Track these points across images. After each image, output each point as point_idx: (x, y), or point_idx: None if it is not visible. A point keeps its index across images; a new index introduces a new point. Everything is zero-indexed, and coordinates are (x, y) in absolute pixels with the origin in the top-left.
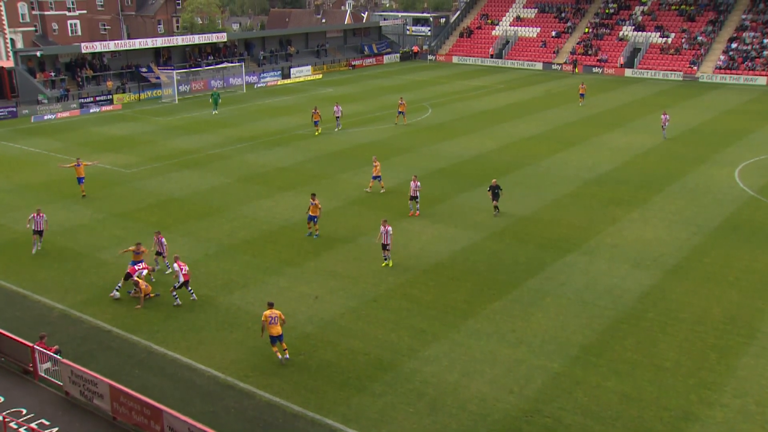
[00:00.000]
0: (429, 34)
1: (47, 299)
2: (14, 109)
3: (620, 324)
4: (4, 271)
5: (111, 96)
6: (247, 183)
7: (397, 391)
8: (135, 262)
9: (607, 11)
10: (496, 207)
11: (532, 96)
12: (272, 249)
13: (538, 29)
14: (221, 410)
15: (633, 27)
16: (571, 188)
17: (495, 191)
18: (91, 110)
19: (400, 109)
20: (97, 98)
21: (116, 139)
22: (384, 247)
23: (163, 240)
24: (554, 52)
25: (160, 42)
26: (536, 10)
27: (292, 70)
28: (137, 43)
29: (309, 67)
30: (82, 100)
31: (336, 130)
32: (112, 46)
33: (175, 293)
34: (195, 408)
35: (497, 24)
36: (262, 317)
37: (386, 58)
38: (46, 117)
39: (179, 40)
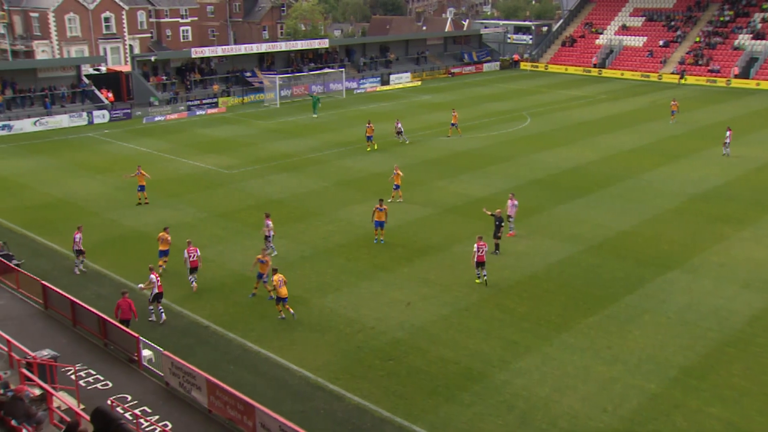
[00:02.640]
0: (530, 42)
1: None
2: (129, 111)
3: (726, 347)
4: (114, 264)
5: (216, 99)
6: (343, 187)
7: (487, 402)
8: (261, 274)
9: (722, 19)
10: (496, 245)
11: (636, 107)
12: (366, 254)
13: (645, 38)
14: (311, 411)
15: (751, 35)
16: (675, 203)
17: (497, 224)
18: (198, 113)
19: (452, 121)
20: (204, 101)
21: (219, 141)
22: (479, 264)
23: (270, 223)
24: (661, 62)
25: (264, 47)
26: (644, 18)
27: (391, 76)
28: (243, 49)
29: (408, 74)
30: (190, 103)
31: (406, 141)
32: (219, 51)
33: (191, 278)
34: (286, 407)
35: (601, 33)
36: (272, 282)
37: (486, 67)
38: (156, 118)
39: (283, 46)
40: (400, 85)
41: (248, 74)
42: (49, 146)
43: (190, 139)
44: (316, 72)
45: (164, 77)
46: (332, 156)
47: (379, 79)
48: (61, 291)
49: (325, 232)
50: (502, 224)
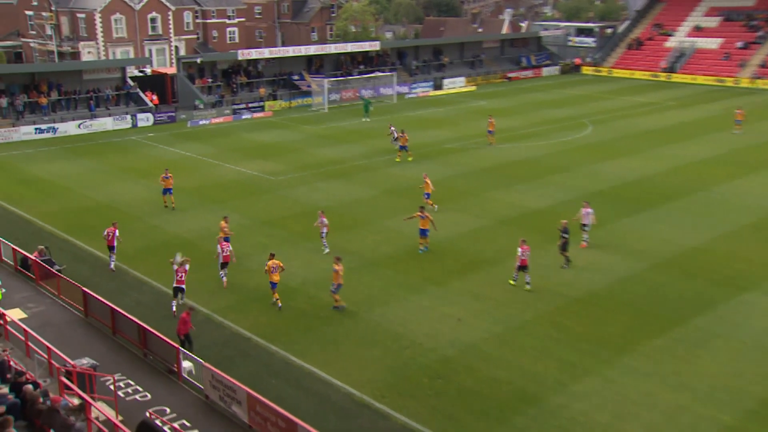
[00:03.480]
0: (593, 45)
1: (193, 302)
2: (173, 114)
3: None
4: (155, 271)
5: (263, 103)
6: (392, 196)
7: (542, 426)
8: (337, 287)
9: None
10: (566, 258)
11: (708, 114)
12: (416, 266)
13: (721, 40)
14: (355, 429)
15: None
16: (752, 219)
17: (564, 237)
18: (243, 116)
19: (489, 128)
20: (250, 105)
21: (265, 146)
22: (521, 268)
23: (325, 220)
24: (739, 66)
25: (313, 50)
26: (720, 18)
27: (444, 81)
28: (291, 51)
29: (462, 79)
30: (236, 107)
31: (396, 147)
32: (267, 53)
33: (222, 273)
34: (329, 424)
35: (671, 34)
36: (265, 266)
37: (545, 71)
38: (201, 122)
39: (332, 48)
40: (454, 90)
41: (296, 77)
42: (93, 149)
43: (235, 144)
44: (366, 75)
45: (210, 80)
46: (381, 163)
47: (431, 83)
48: (101, 298)
49: (373, 242)
50: (568, 235)
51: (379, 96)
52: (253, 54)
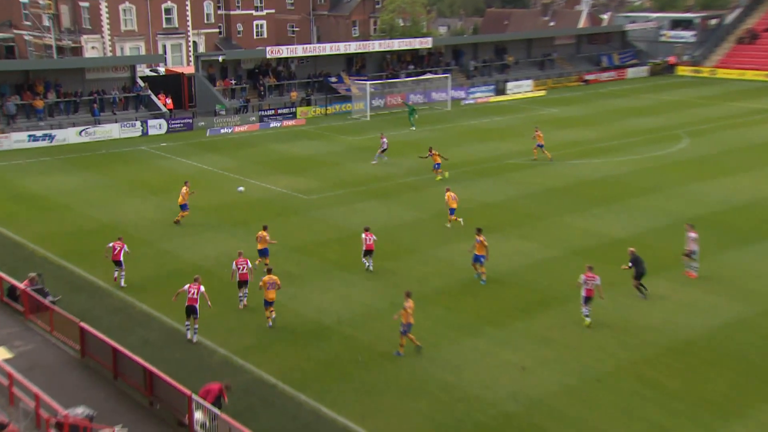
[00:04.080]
0: (692, 40)
1: (209, 341)
2: (190, 121)
3: None
4: (165, 304)
5: (294, 109)
6: (443, 220)
7: None
8: (407, 327)
9: None
10: (641, 286)
11: None
12: (471, 303)
13: None
14: None
15: None
16: None
17: (639, 263)
18: (272, 125)
19: (539, 141)
20: (279, 111)
21: (297, 159)
22: (587, 300)
23: (372, 237)
24: None
25: (354, 47)
26: None
27: (508, 84)
28: (328, 48)
29: (530, 82)
30: (263, 113)
31: (373, 162)
32: (300, 50)
33: (241, 294)
34: None
35: None
36: (260, 282)
37: (630, 72)
38: (222, 131)
39: (376, 46)
40: (520, 95)
41: (333, 79)
42: (96, 160)
43: (261, 156)
44: (415, 78)
45: (233, 81)
46: (431, 181)
47: (493, 87)
48: (101, 335)
49: (420, 273)
50: (637, 265)
51: (431, 102)
52: (284, 52)
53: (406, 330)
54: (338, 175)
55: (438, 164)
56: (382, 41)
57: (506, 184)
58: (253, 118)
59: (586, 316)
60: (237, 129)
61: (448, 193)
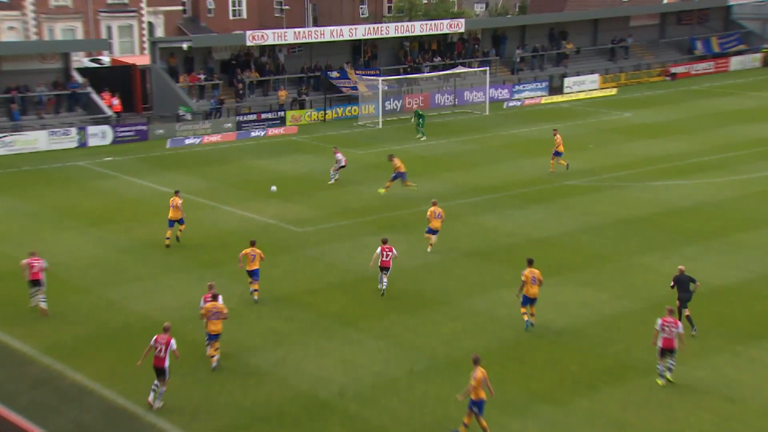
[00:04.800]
0: None
1: (167, 423)
2: (144, 128)
3: None
4: (107, 373)
5: (283, 113)
6: (480, 259)
7: None
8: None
9: None
10: (688, 318)
11: None
12: (518, 371)
13: None
14: None
15: None
16: None
17: (683, 285)
18: (253, 134)
19: (557, 149)
20: (263, 116)
21: (286, 179)
22: (665, 352)
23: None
24: None
25: (361, 32)
26: None
27: (566, 81)
28: (328, 34)
29: (595, 77)
30: (241, 118)
31: (330, 182)
32: (290, 36)
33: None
34: None
35: None
36: (201, 310)
37: (735, 62)
38: (187, 141)
39: (390, 30)
40: (582, 95)
41: (335, 74)
42: (15, 180)
43: (240, 176)
44: (443, 73)
45: (202, 76)
46: (465, 208)
47: (545, 84)
48: (16, 418)
49: (449, 331)
50: (680, 286)
51: (463, 105)
52: (270, 37)
53: (475, 408)
54: (341, 200)
55: (402, 174)
56: (400, 24)
57: (564, 214)
58: (229, 125)
59: (661, 374)
60: (207, 139)
61: (433, 208)
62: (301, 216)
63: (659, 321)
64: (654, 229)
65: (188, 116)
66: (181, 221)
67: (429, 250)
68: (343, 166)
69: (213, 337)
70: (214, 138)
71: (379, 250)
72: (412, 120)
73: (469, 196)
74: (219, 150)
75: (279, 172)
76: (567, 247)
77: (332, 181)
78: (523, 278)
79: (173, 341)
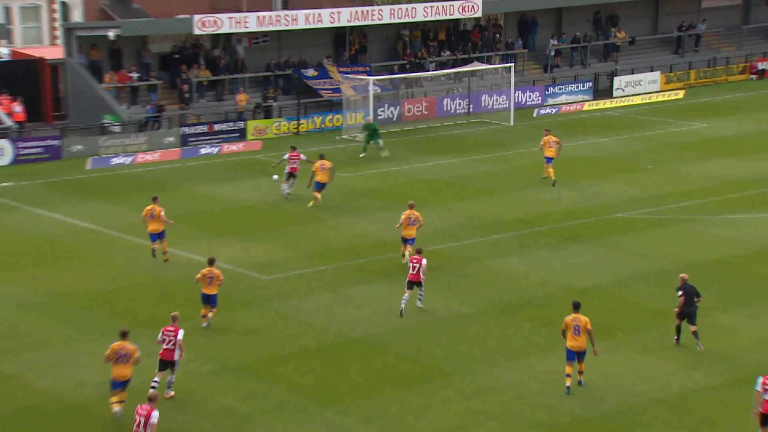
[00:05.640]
0: None
1: None
2: (57, 144)
3: None
4: None
5: (243, 123)
6: (503, 316)
7: None
8: None
9: None
10: (694, 334)
11: None
12: None
13: None
14: None
15: None
16: None
17: (689, 298)
18: (203, 150)
19: (546, 153)
20: (217, 126)
21: (248, 210)
22: (764, 419)
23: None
24: None
25: (346, 17)
26: None
27: (617, 79)
28: (302, 19)
29: (656, 75)
30: (187, 130)
31: (284, 193)
32: (253, 22)
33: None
34: None
35: None
36: (108, 350)
37: None
38: (115, 160)
39: (385, 14)
40: (638, 100)
41: (311, 73)
42: None
43: (185, 206)
44: (454, 70)
45: (135, 74)
46: (482, 249)
47: (589, 85)
48: None
49: (462, 412)
50: (697, 300)
51: (480, 113)
52: (225, 24)
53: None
54: (318, 238)
55: (322, 184)
56: (397, 6)
57: (615, 256)
58: (171, 139)
59: None
60: (142, 158)
61: (408, 212)
62: (266, 259)
63: (760, 380)
64: (736, 277)
65: (117, 128)
66: (162, 235)
67: (403, 260)
68: (290, 174)
69: (120, 386)
70: (151, 156)
71: (407, 252)
72: (360, 136)
73: (489, 232)
74: (157, 172)
75: (237, 201)
76: (619, 301)
77: (285, 195)
78: (563, 326)
79: (181, 332)
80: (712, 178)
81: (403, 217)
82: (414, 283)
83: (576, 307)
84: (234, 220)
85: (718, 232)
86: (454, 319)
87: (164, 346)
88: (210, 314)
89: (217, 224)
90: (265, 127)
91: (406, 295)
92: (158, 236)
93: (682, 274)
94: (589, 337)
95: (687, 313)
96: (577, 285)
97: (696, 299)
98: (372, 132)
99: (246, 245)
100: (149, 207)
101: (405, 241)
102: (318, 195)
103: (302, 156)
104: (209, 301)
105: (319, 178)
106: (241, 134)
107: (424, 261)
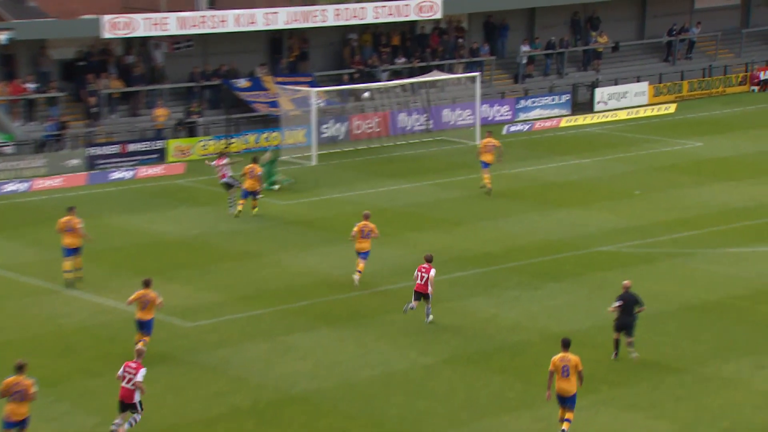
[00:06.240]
0: None
1: None
2: None
3: None
4: None
5: (163, 143)
6: (469, 367)
7: None
8: None
9: None
10: (629, 344)
11: None
12: None
13: None
14: None
15: None
16: None
17: (627, 307)
18: (114, 175)
19: (482, 157)
20: (131, 146)
21: (167, 245)
22: None
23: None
24: None
25: (283, 18)
26: None
27: (599, 92)
28: (231, 21)
29: (643, 86)
30: (95, 151)
31: (231, 210)
32: (173, 25)
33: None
34: None
35: None
36: (1, 386)
37: None
38: (7, 187)
39: (329, 15)
40: (622, 114)
41: (243, 84)
42: None
43: (92, 242)
44: (410, 81)
45: (32, 85)
46: (444, 288)
47: (566, 97)
48: None
49: None
50: (637, 308)
51: (441, 130)
52: (141, 26)
53: None
54: (252, 276)
55: (256, 192)
56: (343, 6)
57: (597, 296)
58: (76, 162)
59: None
60: (40, 184)
61: (363, 222)
62: (190, 303)
63: None
64: (738, 321)
65: (8, 148)
66: (78, 251)
67: (355, 280)
68: (228, 183)
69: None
70: (52, 182)
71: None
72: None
73: (452, 269)
74: (59, 201)
75: (156, 234)
76: (603, 349)
77: (234, 211)
78: (551, 367)
79: (143, 370)
80: (709, 206)
81: (356, 228)
82: (421, 295)
83: (565, 345)
84: (152, 257)
85: (717, 269)
86: (411, 371)
87: (122, 383)
88: (141, 344)
89: (132, 262)
90: (188, 147)
91: (414, 304)
92: (74, 252)
93: (624, 281)
94: (579, 381)
95: (625, 323)
96: (554, 330)
97: (637, 308)
98: (273, 162)
99: (166, 287)
100: (65, 218)
101: (358, 254)
102: (242, 204)
103: (225, 159)
104: (143, 327)
105: (247, 185)
106: (160, 156)
107: (433, 271)
